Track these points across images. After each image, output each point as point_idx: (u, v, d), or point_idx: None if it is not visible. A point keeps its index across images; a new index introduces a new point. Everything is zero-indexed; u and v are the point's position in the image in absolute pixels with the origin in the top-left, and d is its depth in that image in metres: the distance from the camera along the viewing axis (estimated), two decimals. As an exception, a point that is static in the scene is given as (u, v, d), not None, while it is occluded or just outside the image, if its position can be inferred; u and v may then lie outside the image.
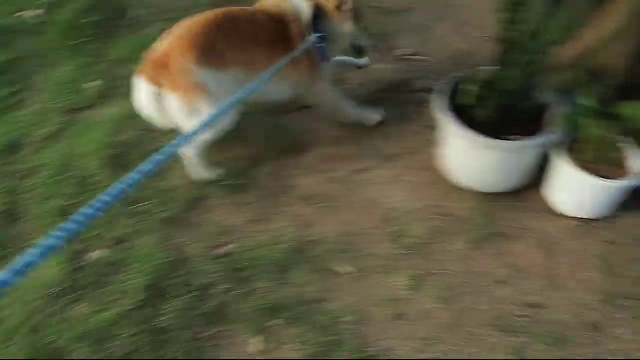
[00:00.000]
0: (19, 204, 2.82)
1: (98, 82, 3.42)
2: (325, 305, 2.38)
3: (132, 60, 3.31)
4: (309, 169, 2.94)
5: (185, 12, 2.75)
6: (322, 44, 2.74)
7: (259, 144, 3.05)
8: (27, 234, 2.69)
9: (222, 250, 2.58)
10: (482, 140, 2.50)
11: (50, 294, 2.45)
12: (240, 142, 3.00)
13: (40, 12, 3.90)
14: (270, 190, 2.84)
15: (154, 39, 2.65)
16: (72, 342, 2.28)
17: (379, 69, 3.45)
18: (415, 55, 3.56)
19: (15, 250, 2.58)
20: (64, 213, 2.71)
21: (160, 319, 2.36)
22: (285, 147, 3.03)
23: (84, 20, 3.78)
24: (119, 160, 2.95)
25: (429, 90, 2.85)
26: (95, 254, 2.59)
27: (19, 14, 3.93)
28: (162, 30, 2.66)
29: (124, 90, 3.18)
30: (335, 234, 2.64)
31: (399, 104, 3.25)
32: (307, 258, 2.55)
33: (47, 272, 2.50)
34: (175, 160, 2.83)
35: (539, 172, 2.70)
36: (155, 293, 2.44)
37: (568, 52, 2.63)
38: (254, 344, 2.28)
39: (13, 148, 3.09)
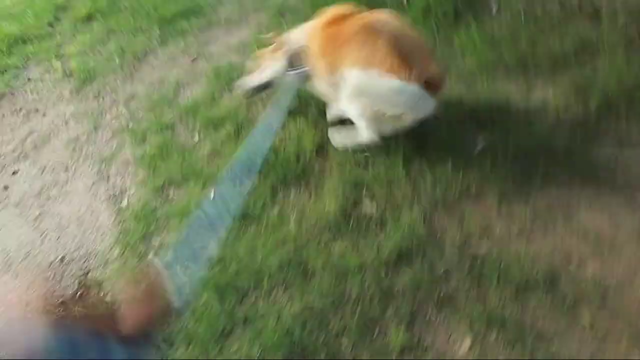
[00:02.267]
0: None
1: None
2: (550, 346, 2.22)
3: (472, 51, 3.43)
4: (596, 202, 2.66)
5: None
6: None
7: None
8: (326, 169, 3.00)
9: (474, 248, 2.56)
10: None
11: (323, 224, 2.74)
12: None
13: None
14: (547, 212, 2.64)
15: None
16: (320, 269, 2.57)
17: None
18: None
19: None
20: (359, 163, 2.94)
21: (395, 281, 2.47)
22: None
23: (440, 8, 3.75)
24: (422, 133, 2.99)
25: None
26: (369, 207, 2.76)
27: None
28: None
29: (452, 76, 3.31)
30: (594, 279, 2.38)
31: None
32: (554, 290, 2.41)
33: (326, 206, 2.81)
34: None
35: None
36: (400, 258, 2.52)
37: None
38: (461, 344, 2.28)
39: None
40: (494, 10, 3.78)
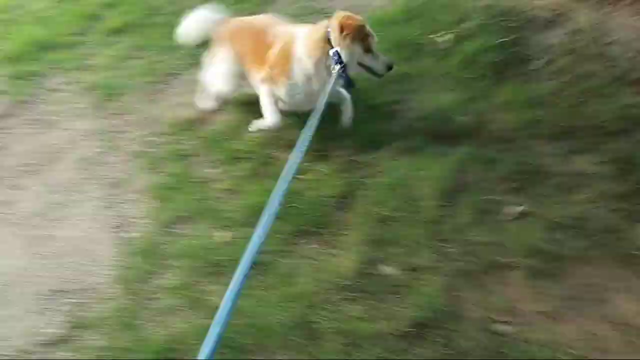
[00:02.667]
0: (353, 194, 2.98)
1: (465, 118, 3.37)
2: None
3: (511, 108, 3.36)
4: (632, 288, 2.52)
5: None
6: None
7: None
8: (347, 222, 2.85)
9: (499, 327, 2.38)
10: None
11: (336, 282, 2.56)
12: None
13: (449, 37, 3.96)
14: (579, 293, 2.50)
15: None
16: (330, 333, 2.37)
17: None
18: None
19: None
20: (383, 220, 2.81)
21: (410, 356, 2.29)
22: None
23: (484, 57, 3.73)
24: (452, 192, 2.91)
25: None
26: (388, 269, 2.62)
27: (432, 36, 4.00)
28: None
29: (488, 132, 3.24)
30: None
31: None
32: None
33: (343, 263, 2.64)
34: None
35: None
36: (418, 331, 2.35)
37: None
38: None
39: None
40: (539, 64, 3.66)
